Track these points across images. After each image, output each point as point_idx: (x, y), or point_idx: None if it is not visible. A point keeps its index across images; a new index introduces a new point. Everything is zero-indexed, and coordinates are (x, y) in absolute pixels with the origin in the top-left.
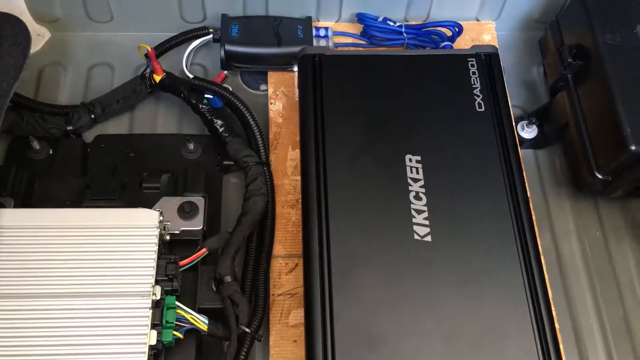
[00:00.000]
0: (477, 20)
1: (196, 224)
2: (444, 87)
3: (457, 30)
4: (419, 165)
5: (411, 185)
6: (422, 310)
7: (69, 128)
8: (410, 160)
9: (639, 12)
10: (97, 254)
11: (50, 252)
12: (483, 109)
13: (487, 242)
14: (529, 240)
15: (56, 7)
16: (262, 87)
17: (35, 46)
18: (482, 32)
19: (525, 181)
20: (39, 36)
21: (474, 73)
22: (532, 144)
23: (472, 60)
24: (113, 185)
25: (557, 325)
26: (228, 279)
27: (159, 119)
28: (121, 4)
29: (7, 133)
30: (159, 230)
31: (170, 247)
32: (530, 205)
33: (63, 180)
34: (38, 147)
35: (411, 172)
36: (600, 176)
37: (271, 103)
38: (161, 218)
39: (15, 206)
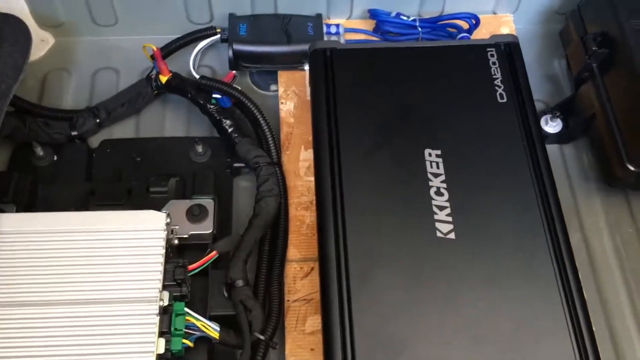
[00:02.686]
0: (494, 13)
1: (206, 227)
2: (463, 79)
3: (474, 22)
4: (439, 160)
5: (432, 181)
6: (447, 312)
7: (74, 133)
8: (430, 154)
9: None
10: (101, 258)
11: (52, 257)
12: (505, 100)
13: (515, 239)
14: (560, 236)
15: (60, 11)
16: (272, 87)
17: (39, 52)
18: (500, 26)
19: (551, 170)
20: (43, 42)
21: (494, 63)
22: (557, 138)
23: (492, 50)
24: (118, 190)
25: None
26: (240, 283)
27: (167, 122)
28: (126, 7)
29: (9, 139)
30: (166, 232)
31: (179, 252)
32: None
33: (67, 186)
34: (42, 154)
35: (431, 167)
36: (632, 168)
37: (282, 103)
38: (168, 220)
39: (18, 212)
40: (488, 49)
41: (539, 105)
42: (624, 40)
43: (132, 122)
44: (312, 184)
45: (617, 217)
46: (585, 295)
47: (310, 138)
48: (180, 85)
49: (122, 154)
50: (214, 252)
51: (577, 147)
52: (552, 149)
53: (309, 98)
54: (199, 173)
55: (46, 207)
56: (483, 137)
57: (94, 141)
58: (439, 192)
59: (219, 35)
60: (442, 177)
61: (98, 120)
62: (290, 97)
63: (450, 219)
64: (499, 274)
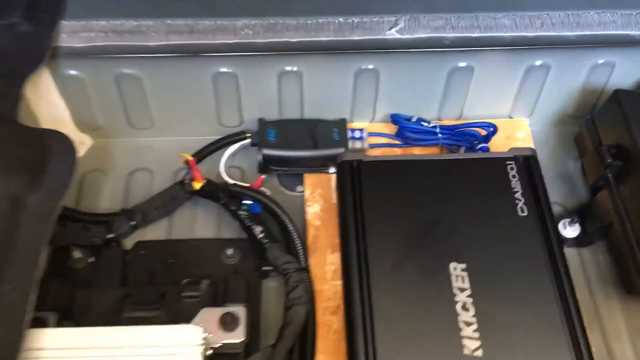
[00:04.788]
0: (510, 117)
1: (238, 336)
2: (485, 192)
3: (491, 130)
4: (465, 274)
5: (457, 295)
6: None
7: (110, 236)
8: (455, 268)
9: None
10: None
11: None
12: (525, 213)
13: (542, 355)
14: (585, 353)
15: (99, 116)
16: (299, 188)
17: (78, 153)
18: (516, 129)
19: (574, 286)
20: (82, 144)
21: (513, 176)
22: (575, 242)
23: (511, 163)
24: (152, 295)
25: None
26: None
27: (197, 222)
28: (162, 112)
29: (49, 244)
30: (203, 347)
31: None
32: (581, 312)
33: (103, 291)
34: (79, 256)
35: (457, 281)
36: None
37: (308, 206)
38: (204, 335)
39: (57, 319)
40: (507, 162)
41: (555, 208)
42: (638, 155)
43: (165, 223)
44: (339, 288)
45: (638, 322)
46: None
47: (336, 241)
48: (213, 192)
49: (155, 256)
50: None
51: (595, 251)
52: (570, 252)
53: (334, 201)
54: (230, 279)
55: (84, 312)
56: (505, 250)
57: (128, 242)
58: (465, 307)
59: (249, 140)
60: (468, 292)
61: (133, 223)
62: (317, 199)
63: (477, 335)
64: None
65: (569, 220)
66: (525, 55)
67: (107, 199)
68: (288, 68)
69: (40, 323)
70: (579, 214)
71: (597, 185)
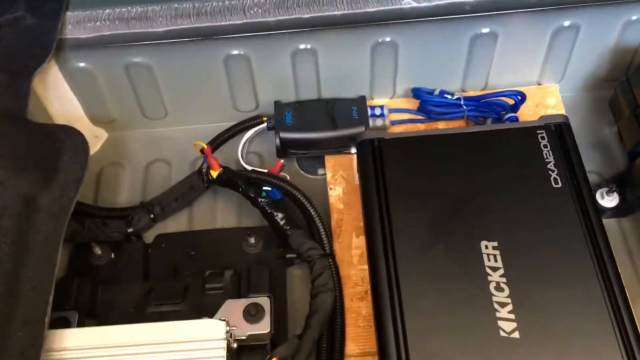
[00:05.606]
0: (539, 84)
1: (263, 327)
2: (515, 164)
3: (519, 98)
4: (497, 252)
5: (490, 275)
6: None
7: (130, 230)
8: (487, 247)
9: None
10: None
11: None
12: (560, 185)
13: (584, 334)
14: (630, 330)
15: (112, 108)
16: (320, 171)
17: (94, 148)
18: (546, 97)
19: (615, 259)
20: (96, 138)
21: (545, 146)
22: (615, 212)
23: (542, 132)
24: (175, 289)
25: None
26: None
27: (218, 212)
28: (175, 100)
29: (68, 241)
30: (226, 342)
31: (237, 354)
32: (624, 287)
33: (126, 287)
34: (100, 253)
35: (489, 260)
36: None
37: (330, 188)
38: (227, 328)
39: (80, 318)
40: (538, 131)
41: (591, 177)
42: None
43: (185, 214)
44: (366, 273)
45: None
46: None
47: (362, 224)
48: (230, 179)
49: (177, 248)
50: (274, 359)
51: (636, 220)
52: (610, 223)
53: (357, 182)
54: (254, 269)
55: (107, 309)
56: (540, 225)
57: (149, 235)
58: (499, 288)
59: (265, 124)
60: (501, 271)
61: (152, 216)
62: (339, 181)
63: (512, 316)
64: None
65: (606, 189)
66: (552, 17)
67: (125, 192)
68: (302, 46)
69: (63, 322)
70: (617, 182)
71: (636, 150)
